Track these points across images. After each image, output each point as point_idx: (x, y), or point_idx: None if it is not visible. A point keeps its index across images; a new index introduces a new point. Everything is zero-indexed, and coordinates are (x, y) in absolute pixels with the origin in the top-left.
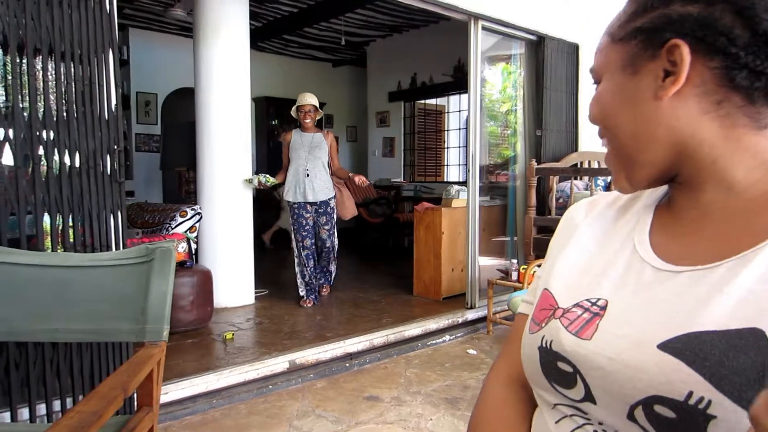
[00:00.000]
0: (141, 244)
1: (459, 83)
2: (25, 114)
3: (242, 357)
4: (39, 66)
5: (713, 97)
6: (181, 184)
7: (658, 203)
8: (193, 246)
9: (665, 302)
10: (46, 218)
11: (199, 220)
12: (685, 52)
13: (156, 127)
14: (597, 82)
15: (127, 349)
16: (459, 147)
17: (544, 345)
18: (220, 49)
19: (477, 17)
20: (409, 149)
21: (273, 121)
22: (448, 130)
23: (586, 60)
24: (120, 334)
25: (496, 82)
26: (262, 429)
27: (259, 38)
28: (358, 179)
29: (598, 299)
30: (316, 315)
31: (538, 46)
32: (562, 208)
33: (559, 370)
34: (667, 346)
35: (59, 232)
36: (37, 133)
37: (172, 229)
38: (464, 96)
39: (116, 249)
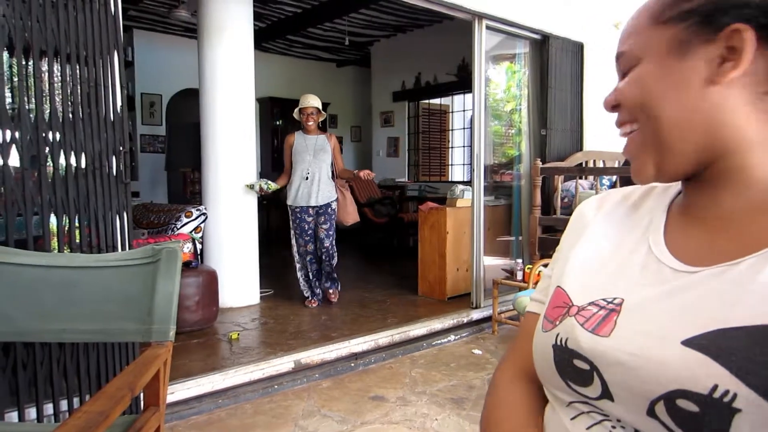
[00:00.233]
0: (147, 244)
1: (463, 83)
2: (31, 116)
3: (248, 357)
4: (45, 68)
5: (762, 88)
6: (186, 185)
7: (670, 203)
8: (199, 246)
9: (686, 301)
10: (53, 219)
11: (204, 221)
12: (750, 37)
13: (161, 128)
14: (627, 66)
15: (134, 349)
16: (463, 146)
17: (558, 343)
18: (224, 50)
19: (481, 16)
20: (414, 149)
21: (277, 122)
22: (452, 130)
23: (591, 59)
24: (126, 334)
25: (501, 82)
26: (267, 429)
27: (264, 39)
28: (364, 174)
29: (614, 298)
30: (321, 315)
31: (542, 45)
32: (567, 208)
33: (574, 367)
34: (691, 343)
35: (65, 232)
36: (44, 135)
37: (178, 229)
38: (468, 95)
39: (122, 250)
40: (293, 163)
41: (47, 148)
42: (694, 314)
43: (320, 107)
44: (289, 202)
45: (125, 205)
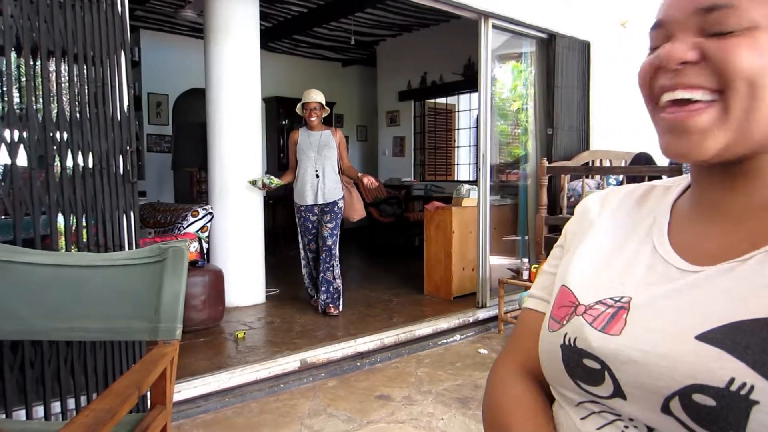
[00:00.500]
0: (153, 243)
1: (469, 82)
2: (39, 116)
3: (254, 356)
4: (52, 68)
5: None
6: (193, 184)
7: (673, 203)
8: (205, 245)
9: (697, 297)
10: (60, 218)
11: (210, 220)
12: None
13: (167, 127)
14: (725, 25)
15: (141, 347)
16: (469, 146)
17: (567, 343)
18: (230, 50)
19: (487, 16)
20: (420, 148)
21: (283, 121)
22: (458, 129)
23: (598, 58)
24: (133, 332)
25: (507, 81)
26: (273, 427)
27: (270, 38)
28: (367, 180)
29: (622, 297)
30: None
31: (549, 44)
32: (573, 207)
33: (584, 367)
34: (705, 337)
35: (73, 232)
36: (51, 135)
37: (184, 228)
38: (474, 95)
39: (129, 249)
40: (298, 160)
41: (55, 148)
42: (705, 310)
43: (324, 102)
44: (295, 200)
45: (132, 204)
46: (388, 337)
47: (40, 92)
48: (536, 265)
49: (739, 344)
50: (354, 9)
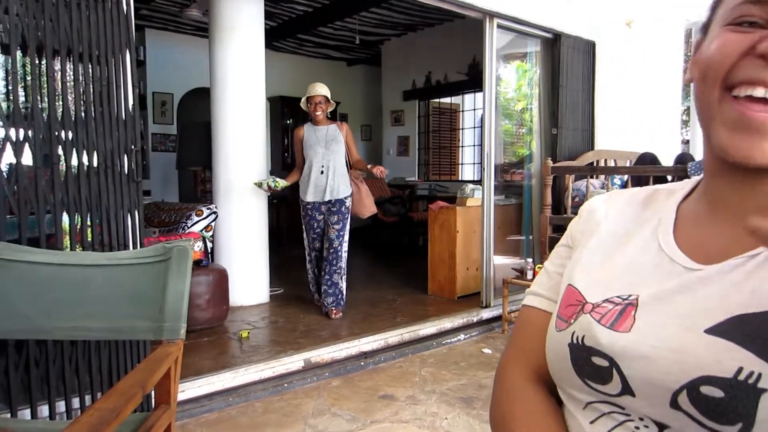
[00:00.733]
0: (158, 242)
1: (474, 81)
2: (44, 114)
3: (258, 355)
4: (57, 67)
5: None
6: (197, 184)
7: (678, 206)
8: (209, 245)
9: (704, 292)
10: (65, 217)
11: (214, 219)
12: None
13: (172, 126)
14: None
15: (145, 347)
16: (474, 145)
17: (575, 341)
18: (235, 49)
19: (492, 15)
20: (424, 148)
21: (288, 121)
22: (462, 129)
23: (603, 57)
24: (138, 332)
25: (511, 80)
26: (277, 427)
27: (274, 38)
28: (377, 170)
29: (629, 295)
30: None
31: (554, 43)
32: (577, 207)
33: (593, 365)
34: (714, 330)
35: (77, 231)
36: (56, 134)
37: (188, 228)
38: (479, 94)
39: (133, 248)
40: (305, 156)
41: (60, 147)
42: (713, 304)
43: (329, 96)
44: (302, 198)
45: (137, 203)
46: (392, 336)
47: (46, 91)
48: (540, 265)
49: (748, 335)
50: (359, 8)
